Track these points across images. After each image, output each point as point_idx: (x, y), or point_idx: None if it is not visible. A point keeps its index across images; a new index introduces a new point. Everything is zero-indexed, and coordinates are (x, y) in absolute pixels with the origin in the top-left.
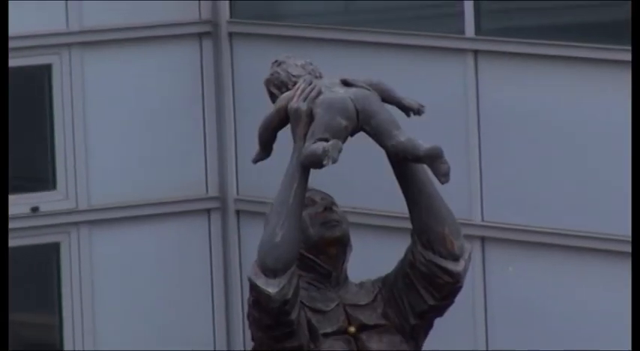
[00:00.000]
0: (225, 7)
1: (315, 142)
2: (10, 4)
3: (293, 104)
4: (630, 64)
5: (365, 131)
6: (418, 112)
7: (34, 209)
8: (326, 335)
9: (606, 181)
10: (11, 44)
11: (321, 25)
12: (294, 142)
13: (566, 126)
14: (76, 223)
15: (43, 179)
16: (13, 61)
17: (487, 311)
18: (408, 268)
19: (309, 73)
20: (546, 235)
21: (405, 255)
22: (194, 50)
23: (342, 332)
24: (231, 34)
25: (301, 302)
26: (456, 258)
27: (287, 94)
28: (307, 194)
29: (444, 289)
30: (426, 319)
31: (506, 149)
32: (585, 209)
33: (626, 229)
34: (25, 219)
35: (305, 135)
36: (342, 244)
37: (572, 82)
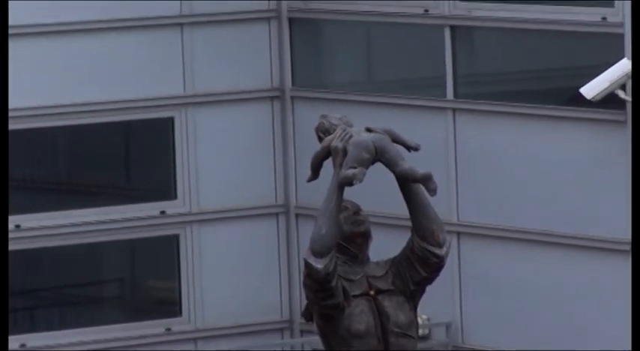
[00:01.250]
0: (288, 78)
1: (347, 169)
2: (146, 73)
3: (333, 144)
4: (564, 119)
5: (381, 162)
6: (416, 148)
7: (162, 212)
8: (354, 296)
9: (547, 196)
10: (148, 103)
11: (351, 91)
12: (334, 168)
13: (517, 161)
14: (190, 222)
15: (169, 192)
16: (149, 114)
17: (461, 283)
18: (409, 252)
19: (344, 123)
20: (502, 230)
21: (407, 243)
22: (267, 108)
23: (365, 294)
24: (293, 98)
25: (338, 274)
26: (440, 246)
27: (329, 137)
28: (342, 203)
29: (432, 267)
30: (420, 286)
31: (474, 176)
32: (530, 212)
33: (563, 227)
34: (156, 218)
35: (341, 164)
36: (365, 236)
37: (523, 129)
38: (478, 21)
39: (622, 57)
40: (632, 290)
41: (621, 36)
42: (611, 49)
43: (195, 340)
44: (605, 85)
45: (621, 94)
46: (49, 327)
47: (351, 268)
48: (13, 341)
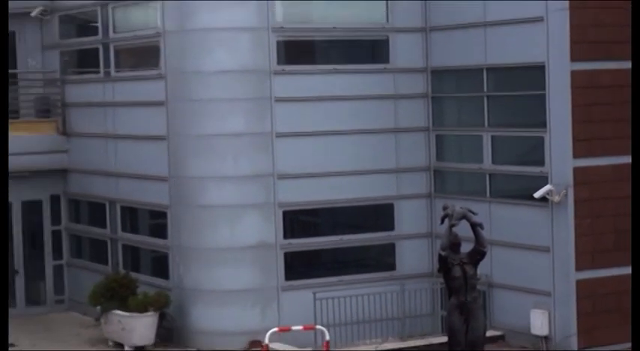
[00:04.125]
0: (432, 188)
1: (453, 221)
2: (374, 187)
3: (447, 211)
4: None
5: (465, 218)
6: (476, 214)
7: (390, 235)
8: (455, 264)
9: (516, 229)
10: (380, 198)
11: (456, 195)
12: (449, 221)
13: (511, 219)
14: (397, 239)
15: (391, 227)
16: (376, 202)
17: (492, 261)
18: (474, 250)
19: (452, 205)
20: (508, 242)
21: (473, 247)
22: (425, 201)
23: (459, 264)
24: (434, 196)
25: (449, 257)
26: (485, 247)
27: (447, 210)
28: (452, 232)
29: (482, 255)
30: (478, 262)
31: (498, 222)
32: (510, 236)
33: (519, 240)
34: (388, 237)
35: (450, 220)
36: (459, 244)
37: (514, 210)
38: (498, 171)
39: (547, 184)
40: (632, 290)
41: (547, 177)
42: (543, 181)
43: (399, 278)
44: (542, 193)
45: (547, 196)
46: (344, 273)
47: (454, 255)
48: (333, 278)
